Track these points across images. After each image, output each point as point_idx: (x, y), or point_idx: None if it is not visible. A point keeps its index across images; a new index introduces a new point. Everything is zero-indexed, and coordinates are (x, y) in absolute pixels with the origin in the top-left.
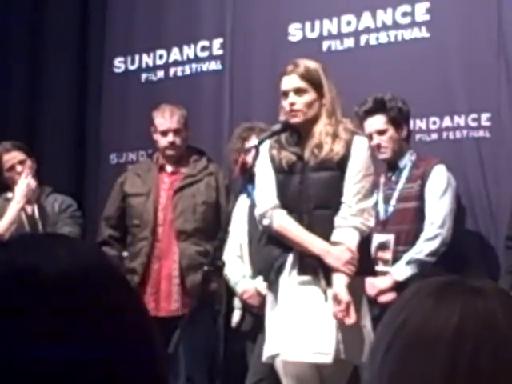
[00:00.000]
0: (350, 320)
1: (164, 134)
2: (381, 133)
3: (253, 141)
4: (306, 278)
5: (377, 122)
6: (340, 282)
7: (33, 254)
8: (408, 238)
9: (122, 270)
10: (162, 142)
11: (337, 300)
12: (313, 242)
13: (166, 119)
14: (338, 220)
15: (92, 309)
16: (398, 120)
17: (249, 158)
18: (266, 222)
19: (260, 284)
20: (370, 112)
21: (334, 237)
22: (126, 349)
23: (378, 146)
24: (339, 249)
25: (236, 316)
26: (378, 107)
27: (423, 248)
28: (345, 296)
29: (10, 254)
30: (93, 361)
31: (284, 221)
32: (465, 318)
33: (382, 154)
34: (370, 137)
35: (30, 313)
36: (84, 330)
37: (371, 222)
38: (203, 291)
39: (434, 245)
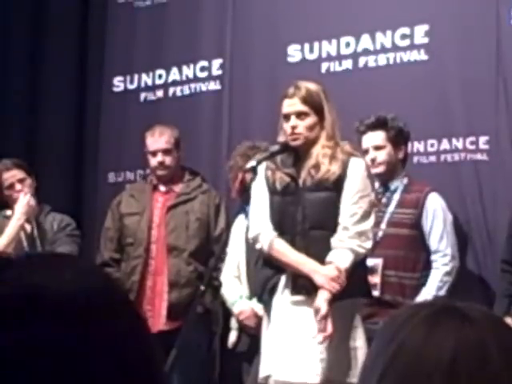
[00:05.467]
0: (326, 333)
1: (153, 154)
2: (378, 148)
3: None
4: (299, 298)
5: (376, 137)
6: (321, 296)
7: (39, 275)
8: (397, 264)
9: (126, 291)
10: (153, 162)
11: (316, 313)
12: (304, 263)
13: (155, 139)
14: (334, 241)
15: (96, 329)
16: (397, 140)
17: (248, 177)
18: (258, 245)
19: (257, 305)
20: (372, 127)
21: (328, 257)
22: (126, 370)
23: (373, 161)
24: (328, 267)
25: (232, 337)
26: (380, 124)
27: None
28: (322, 309)
29: (16, 273)
30: (96, 379)
31: (275, 244)
32: (458, 351)
33: (376, 167)
34: (366, 151)
35: (35, 332)
36: (87, 350)
37: (368, 244)
38: (193, 310)
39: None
